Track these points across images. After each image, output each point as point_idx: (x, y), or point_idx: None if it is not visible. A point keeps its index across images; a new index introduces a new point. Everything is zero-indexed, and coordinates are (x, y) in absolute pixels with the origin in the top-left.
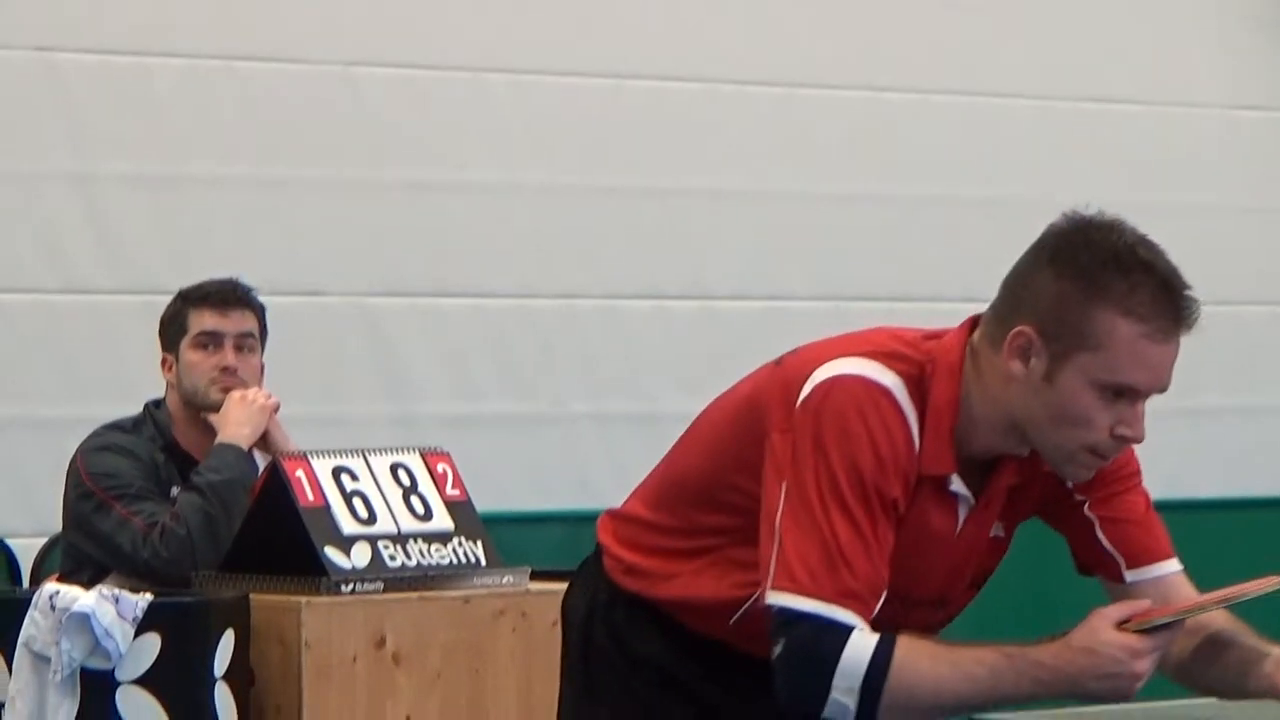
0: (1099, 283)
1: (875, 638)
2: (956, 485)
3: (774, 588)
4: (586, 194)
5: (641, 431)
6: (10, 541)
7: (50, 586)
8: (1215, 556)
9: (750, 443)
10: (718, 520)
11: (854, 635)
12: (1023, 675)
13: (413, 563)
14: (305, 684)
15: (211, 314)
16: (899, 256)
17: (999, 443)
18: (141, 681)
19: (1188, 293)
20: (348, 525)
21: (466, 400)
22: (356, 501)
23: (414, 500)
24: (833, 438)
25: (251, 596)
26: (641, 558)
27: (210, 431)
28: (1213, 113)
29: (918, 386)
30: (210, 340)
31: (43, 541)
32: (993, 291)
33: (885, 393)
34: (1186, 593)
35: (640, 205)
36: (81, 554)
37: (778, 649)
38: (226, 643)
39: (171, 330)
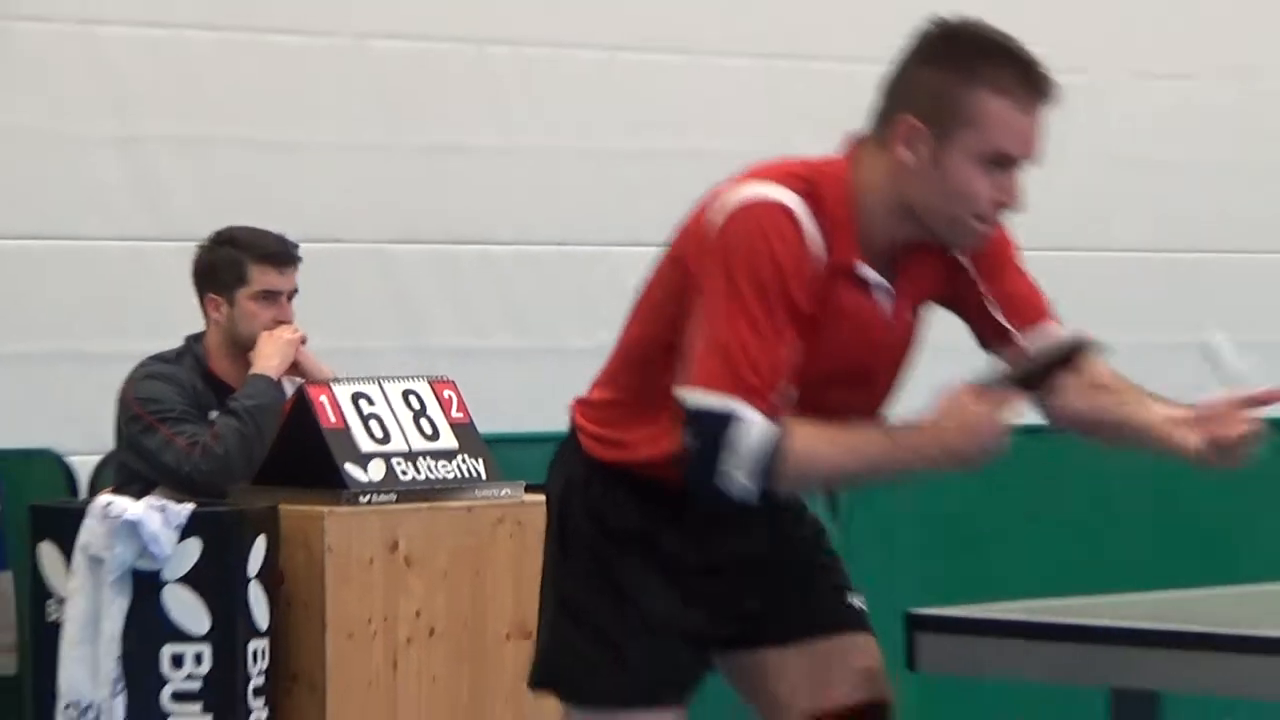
0: (969, 68)
1: (771, 424)
2: (865, 271)
3: (683, 385)
4: (579, 155)
5: None
6: (69, 459)
7: (104, 498)
8: None
9: (683, 298)
10: (670, 379)
11: (753, 423)
12: (900, 443)
13: (422, 477)
14: (328, 584)
15: (274, 273)
16: None
17: (898, 229)
18: (184, 581)
19: (1044, 70)
20: (365, 444)
21: (472, 335)
22: (373, 423)
23: (423, 422)
24: (738, 254)
25: (280, 507)
26: (611, 430)
27: (245, 363)
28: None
29: (813, 196)
30: (270, 297)
31: (97, 459)
32: None
33: (783, 208)
34: None
35: (627, 164)
36: (131, 470)
37: (685, 440)
38: (259, 547)
39: (227, 276)
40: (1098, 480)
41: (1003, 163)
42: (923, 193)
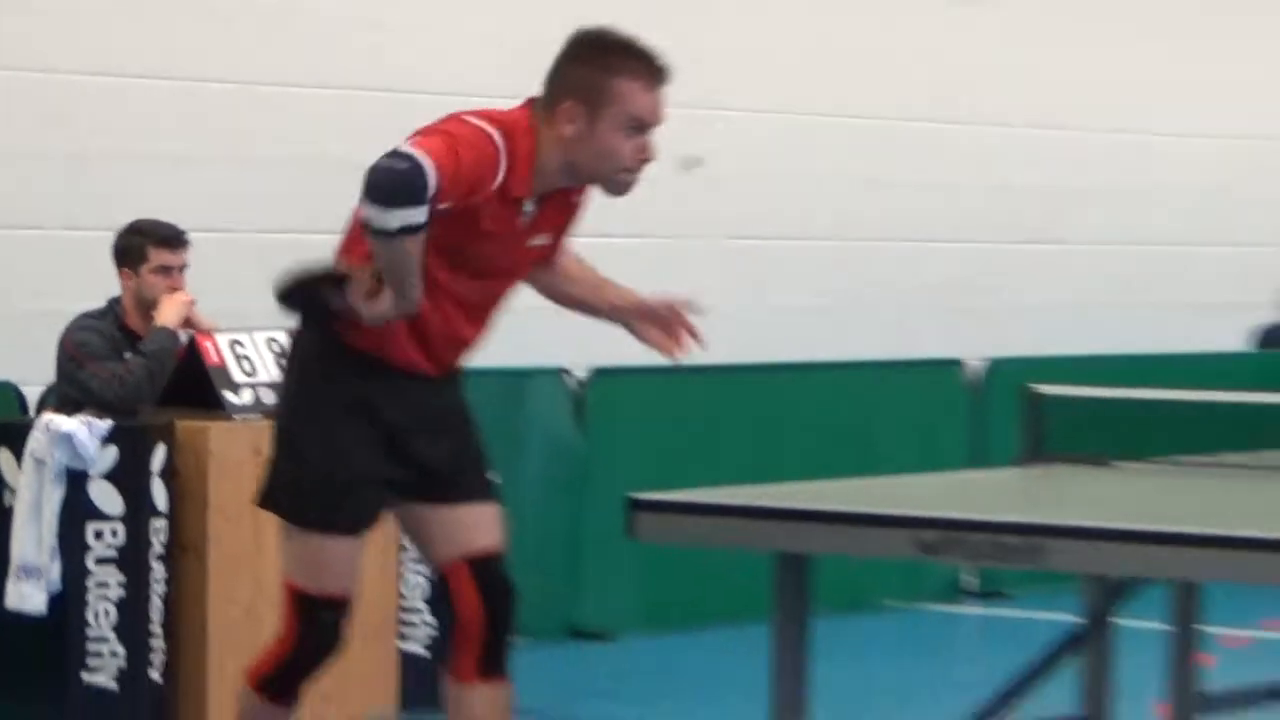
0: (608, 62)
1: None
2: (527, 204)
3: (408, 140)
4: None
5: None
6: (22, 388)
7: (47, 416)
8: None
9: None
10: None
11: (428, 201)
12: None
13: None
14: (210, 479)
15: (168, 253)
16: None
17: (560, 180)
18: (105, 477)
19: (662, 59)
20: (239, 377)
21: None
22: (245, 362)
23: (281, 361)
24: (464, 132)
25: (176, 422)
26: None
27: (151, 319)
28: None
29: (509, 138)
30: (165, 270)
31: (42, 388)
32: None
33: (491, 137)
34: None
35: None
36: (67, 396)
37: (388, 163)
38: (160, 452)
39: (133, 256)
40: (782, 400)
41: (639, 129)
42: (583, 157)
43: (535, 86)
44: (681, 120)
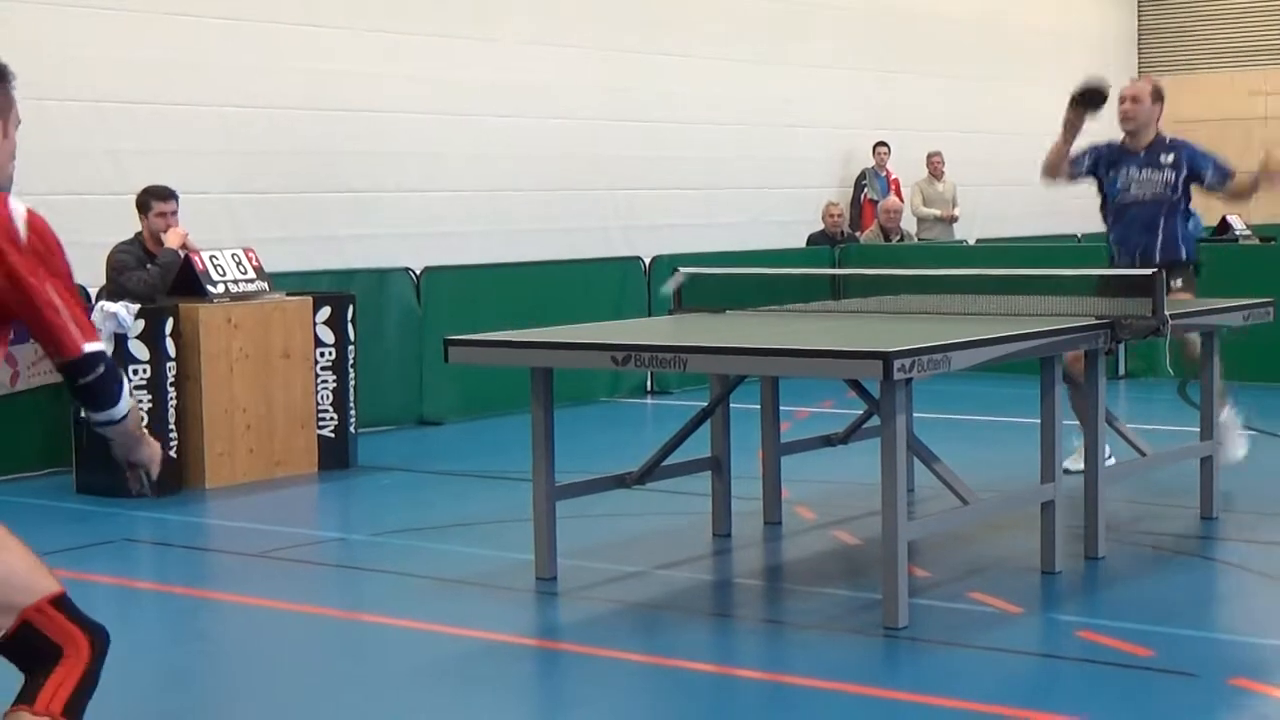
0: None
1: None
2: None
3: (86, 340)
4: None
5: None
6: (89, 289)
7: (102, 303)
8: None
9: None
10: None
11: None
12: None
13: (240, 290)
14: (200, 336)
15: (162, 204)
16: None
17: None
18: (138, 338)
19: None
20: (216, 276)
21: (264, 228)
22: (219, 268)
23: (240, 266)
24: (58, 244)
25: (180, 305)
26: None
27: (160, 244)
28: None
29: None
30: (163, 214)
31: (98, 288)
32: None
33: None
34: None
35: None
36: (113, 291)
37: (94, 376)
38: (170, 322)
39: (144, 206)
40: (538, 288)
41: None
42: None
43: None
44: None
